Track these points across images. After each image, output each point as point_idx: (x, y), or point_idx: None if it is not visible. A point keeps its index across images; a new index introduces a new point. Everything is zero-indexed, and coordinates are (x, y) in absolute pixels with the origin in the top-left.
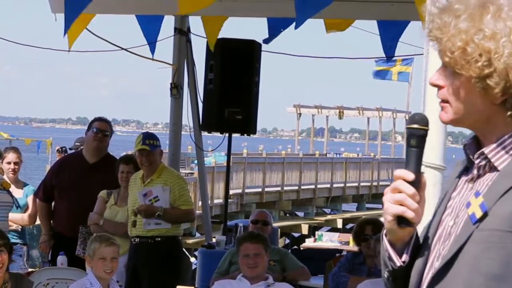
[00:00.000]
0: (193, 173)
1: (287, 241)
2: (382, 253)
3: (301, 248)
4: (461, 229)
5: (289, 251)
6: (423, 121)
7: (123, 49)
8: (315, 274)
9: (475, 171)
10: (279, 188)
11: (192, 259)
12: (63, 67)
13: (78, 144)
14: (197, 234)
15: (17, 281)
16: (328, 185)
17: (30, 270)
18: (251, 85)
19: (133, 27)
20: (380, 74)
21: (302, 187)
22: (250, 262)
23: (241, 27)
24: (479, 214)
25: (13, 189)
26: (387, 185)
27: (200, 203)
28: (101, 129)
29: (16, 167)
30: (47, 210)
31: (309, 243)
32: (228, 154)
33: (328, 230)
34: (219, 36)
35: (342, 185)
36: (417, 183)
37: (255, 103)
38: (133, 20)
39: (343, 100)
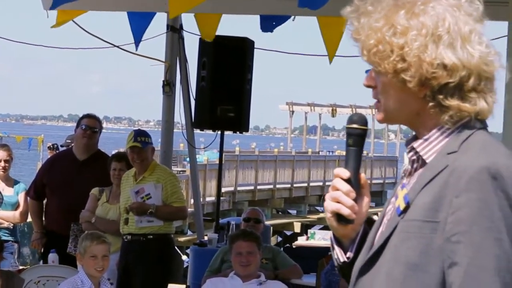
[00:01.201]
0: (185, 171)
1: (279, 239)
2: (331, 249)
3: (294, 246)
4: (388, 221)
5: (281, 249)
6: (362, 121)
7: (115, 46)
8: (307, 272)
9: (409, 166)
10: (271, 186)
11: (184, 257)
12: (54, 64)
13: (69, 141)
14: (189, 232)
15: (8, 279)
16: (321, 183)
17: (21, 267)
18: (243, 83)
19: (125, 24)
20: None
21: (295, 185)
22: (243, 260)
23: (234, 25)
24: (402, 205)
25: (3, 187)
26: (380, 184)
27: (192, 201)
28: (90, 126)
29: (7, 164)
30: (38, 208)
31: (301, 241)
32: (221, 152)
33: (321, 228)
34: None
35: None
36: (356, 182)
37: (248, 101)
38: (125, 17)
39: (336, 98)
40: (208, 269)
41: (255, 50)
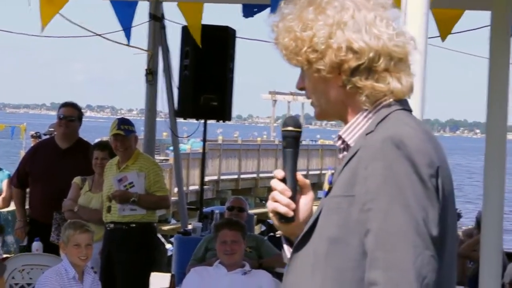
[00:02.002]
0: (168, 160)
1: (263, 228)
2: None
3: (277, 235)
4: (319, 205)
5: (266, 238)
6: (296, 124)
7: (98, 35)
8: None
9: (340, 155)
10: (254, 175)
11: (168, 246)
12: (37, 52)
13: (52, 129)
14: (173, 221)
15: None
16: (304, 172)
17: (5, 256)
18: (226, 72)
19: (108, 12)
20: None
21: None
22: (227, 249)
23: (216, 14)
24: (327, 187)
25: None
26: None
27: (175, 189)
28: (66, 115)
29: None
30: (22, 197)
31: None
32: (204, 141)
33: None
34: None
35: (318, 172)
36: (293, 181)
37: (230, 90)
38: (107, 6)
39: None
40: (192, 257)
41: (237, 39)
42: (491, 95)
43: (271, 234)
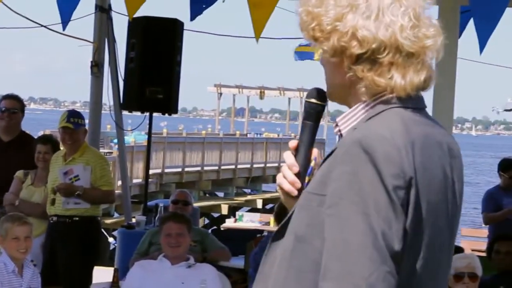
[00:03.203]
0: (112, 153)
1: (207, 221)
2: None
3: (222, 229)
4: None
5: (209, 231)
6: (320, 96)
7: (42, 26)
8: (235, 255)
9: (337, 140)
10: (199, 168)
11: (111, 239)
12: None
13: None
14: (116, 214)
15: None
16: (249, 165)
17: None
18: (172, 64)
19: (52, 4)
20: (302, 55)
21: (222, 167)
22: (172, 241)
23: (164, 6)
24: (307, 178)
25: None
26: None
27: (119, 182)
28: (7, 107)
29: None
30: None
31: (229, 223)
32: (149, 134)
33: (248, 211)
34: (142, 14)
35: (262, 165)
36: (305, 156)
37: (177, 82)
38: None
39: (264, 80)
40: (136, 251)
41: (184, 31)
42: (437, 89)
43: (215, 227)
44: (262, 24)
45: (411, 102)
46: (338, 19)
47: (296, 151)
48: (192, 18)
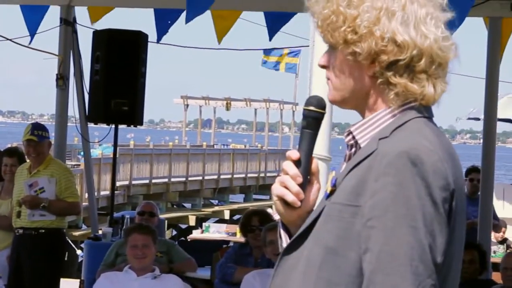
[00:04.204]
0: (79, 165)
1: (174, 232)
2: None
3: (188, 240)
4: (318, 204)
5: (176, 242)
6: (319, 104)
7: (8, 39)
8: (202, 266)
9: (347, 151)
10: (166, 180)
11: (79, 251)
12: None
13: None
14: (84, 226)
15: None
16: (216, 177)
17: None
18: (137, 76)
19: (18, 17)
20: (268, 64)
21: (190, 179)
22: (138, 253)
23: (128, 18)
24: (329, 189)
25: None
26: (274, 177)
27: (86, 195)
28: None
29: None
30: None
31: (196, 234)
32: (115, 146)
33: (216, 222)
34: (106, 27)
35: (229, 176)
36: (306, 166)
37: (142, 94)
38: (18, 10)
39: (230, 92)
40: (103, 263)
41: (149, 43)
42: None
43: (182, 238)
44: (224, 31)
45: (429, 111)
46: (375, 23)
47: (296, 161)
48: (159, 38)
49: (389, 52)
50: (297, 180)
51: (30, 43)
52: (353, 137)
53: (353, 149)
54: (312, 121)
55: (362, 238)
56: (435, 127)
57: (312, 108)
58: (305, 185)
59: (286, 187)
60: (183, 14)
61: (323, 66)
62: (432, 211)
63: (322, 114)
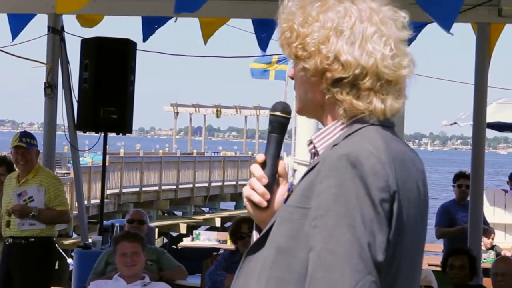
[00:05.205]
0: (69, 173)
1: (165, 240)
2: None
3: (179, 247)
4: (279, 209)
5: (166, 250)
6: (284, 109)
7: None
8: (192, 273)
9: (311, 159)
10: (156, 188)
11: (69, 260)
12: None
13: None
14: (74, 235)
15: None
16: (206, 184)
17: None
18: (126, 84)
19: (4, 25)
20: (257, 73)
21: (180, 186)
22: (128, 261)
23: (117, 27)
24: (286, 194)
25: None
26: None
27: (76, 203)
28: None
29: None
30: None
31: (186, 242)
32: (104, 154)
33: (207, 229)
34: (94, 35)
35: (220, 183)
36: (272, 168)
37: (131, 102)
38: (6, 18)
39: (220, 99)
40: (93, 271)
41: (138, 51)
42: None
43: (173, 246)
44: (210, 32)
45: (385, 121)
46: (322, 42)
47: (263, 164)
48: (145, 39)
49: (334, 70)
50: (262, 182)
51: (12, 41)
52: (314, 146)
53: (315, 157)
54: (277, 125)
55: (309, 238)
56: (389, 134)
57: (277, 113)
58: (272, 186)
59: (253, 189)
60: (171, 21)
61: (292, 77)
62: (371, 211)
63: (288, 119)
